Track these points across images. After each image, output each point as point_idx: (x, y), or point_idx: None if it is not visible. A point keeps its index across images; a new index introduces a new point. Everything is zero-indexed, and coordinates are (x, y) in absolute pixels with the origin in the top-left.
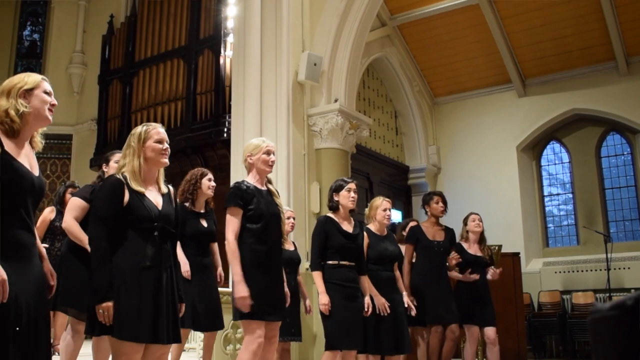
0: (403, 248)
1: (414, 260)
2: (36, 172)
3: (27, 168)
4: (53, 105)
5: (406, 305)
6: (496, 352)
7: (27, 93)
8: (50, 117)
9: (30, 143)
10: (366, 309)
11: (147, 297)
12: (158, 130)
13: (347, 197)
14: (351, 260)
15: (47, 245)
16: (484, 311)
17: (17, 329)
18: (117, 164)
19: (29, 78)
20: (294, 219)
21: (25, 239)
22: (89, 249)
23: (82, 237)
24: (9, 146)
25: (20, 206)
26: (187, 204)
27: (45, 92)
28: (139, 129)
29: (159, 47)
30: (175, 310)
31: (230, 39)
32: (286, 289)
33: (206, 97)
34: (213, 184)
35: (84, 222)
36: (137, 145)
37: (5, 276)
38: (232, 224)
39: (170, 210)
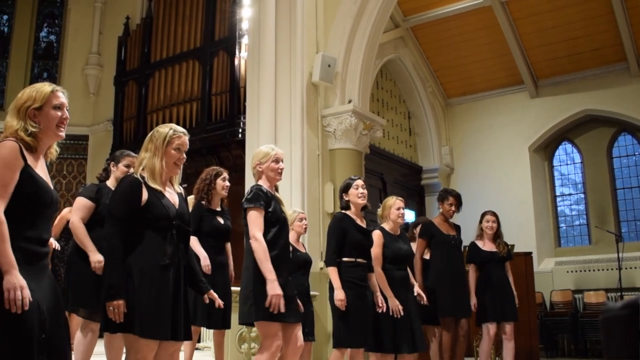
0: (414, 245)
1: (426, 257)
2: (51, 185)
3: (46, 182)
4: (64, 119)
5: (416, 294)
6: (511, 348)
7: (37, 111)
8: (62, 134)
9: (45, 153)
10: (380, 305)
11: (166, 295)
12: (182, 139)
13: (356, 195)
14: (365, 257)
15: (59, 246)
16: (504, 306)
17: (43, 336)
18: (126, 167)
19: (38, 94)
20: (305, 220)
21: (41, 251)
22: (91, 255)
23: (86, 242)
24: (30, 160)
25: (38, 219)
26: (203, 202)
27: (55, 107)
28: (166, 129)
29: (174, 49)
30: (187, 308)
31: (245, 41)
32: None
33: (221, 98)
34: (227, 184)
35: (89, 222)
36: (161, 146)
37: (24, 284)
38: (258, 222)
39: (186, 209)
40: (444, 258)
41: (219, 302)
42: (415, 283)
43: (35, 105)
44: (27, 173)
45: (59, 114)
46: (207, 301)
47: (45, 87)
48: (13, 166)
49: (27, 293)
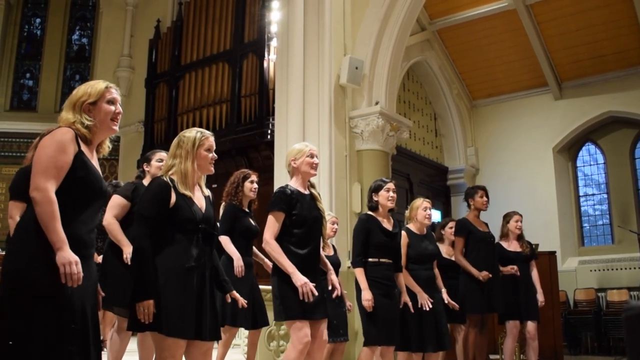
0: (441, 246)
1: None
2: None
3: (98, 172)
4: (117, 113)
5: (446, 302)
6: (535, 347)
7: (92, 106)
8: (115, 127)
9: (97, 149)
10: (401, 305)
11: (192, 296)
12: (210, 140)
13: (386, 197)
14: (390, 257)
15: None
16: (527, 306)
17: (73, 326)
18: (159, 162)
19: (93, 89)
20: (337, 224)
21: (86, 239)
22: (125, 249)
23: (120, 238)
24: (83, 148)
25: (86, 206)
26: (235, 203)
27: (109, 102)
28: (192, 133)
29: (204, 51)
30: (215, 308)
31: (273, 43)
32: (333, 277)
33: (250, 100)
34: (255, 186)
35: (124, 220)
36: (192, 150)
37: (77, 258)
38: (273, 227)
39: (212, 213)
40: (480, 255)
41: (242, 302)
42: (442, 287)
43: (90, 100)
44: (80, 159)
45: (113, 108)
46: (229, 300)
47: (100, 83)
48: (67, 150)
49: (80, 267)
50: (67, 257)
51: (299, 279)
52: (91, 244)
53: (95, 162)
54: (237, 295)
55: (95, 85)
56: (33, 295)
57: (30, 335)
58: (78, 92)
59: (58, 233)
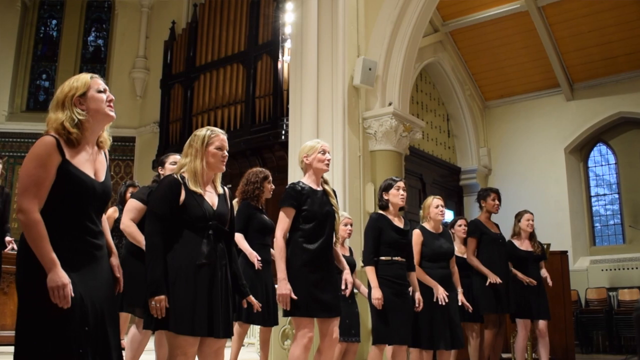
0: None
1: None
2: (101, 176)
3: (88, 176)
4: (111, 100)
5: (460, 304)
6: (546, 344)
7: (82, 98)
8: (112, 113)
9: (98, 144)
10: (417, 305)
11: (202, 293)
12: (221, 137)
13: (396, 195)
14: (403, 256)
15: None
16: (538, 304)
17: (86, 328)
18: (172, 165)
19: (78, 82)
20: (351, 225)
21: (86, 245)
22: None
23: (140, 239)
24: (70, 154)
25: (80, 213)
26: (251, 202)
27: (99, 91)
28: (203, 131)
29: (219, 52)
30: (228, 306)
31: (287, 45)
32: (348, 276)
33: (265, 101)
34: (273, 186)
35: (142, 223)
36: (200, 148)
37: (66, 281)
38: (283, 223)
39: (225, 210)
40: (493, 256)
41: (258, 306)
42: (459, 286)
43: (78, 92)
44: (64, 169)
45: (104, 95)
46: (245, 306)
47: (84, 75)
48: (47, 164)
49: (68, 291)
50: (56, 281)
51: (283, 288)
52: (98, 247)
53: (88, 163)
54: (254, 300)
55: (81, 78)
56: (43, 299)
57: (41, 337)
58: (63, 89)
59: (47, 254)
